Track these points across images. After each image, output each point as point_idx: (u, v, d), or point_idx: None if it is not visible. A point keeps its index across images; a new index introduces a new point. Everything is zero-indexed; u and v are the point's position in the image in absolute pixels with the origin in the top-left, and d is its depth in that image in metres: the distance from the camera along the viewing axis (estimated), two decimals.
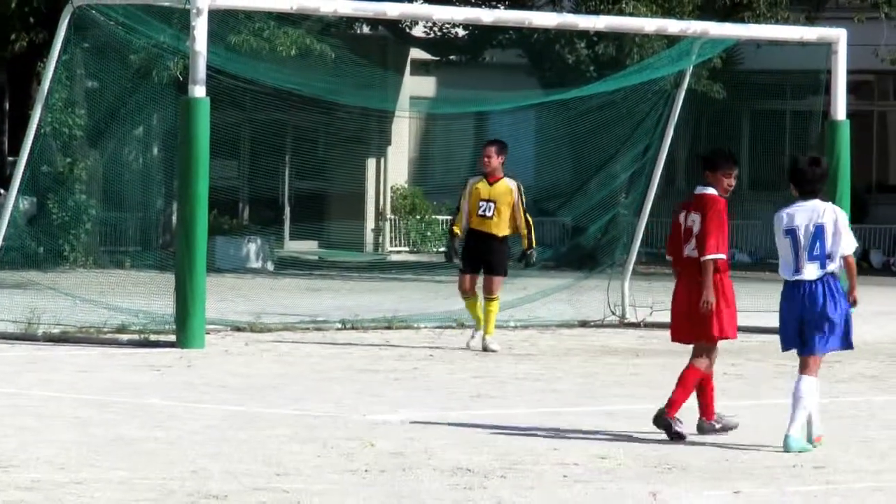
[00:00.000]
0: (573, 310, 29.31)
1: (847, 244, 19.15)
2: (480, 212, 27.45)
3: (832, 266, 19.04)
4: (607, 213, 32.94)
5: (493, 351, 27.56)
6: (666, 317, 31.39)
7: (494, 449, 18.65)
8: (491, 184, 27.54)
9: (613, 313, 32.23)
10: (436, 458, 17.89)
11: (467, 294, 27.88)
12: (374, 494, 15.65)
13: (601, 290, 32.33)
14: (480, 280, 27.77)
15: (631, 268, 33.16)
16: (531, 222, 27.79)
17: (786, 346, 20.20)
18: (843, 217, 19.29)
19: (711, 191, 19.89)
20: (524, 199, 27.88)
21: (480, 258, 27.68)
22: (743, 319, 31.45)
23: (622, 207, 33.35)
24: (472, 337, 27.93)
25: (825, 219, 19.12)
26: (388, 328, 29.95)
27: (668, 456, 18.37)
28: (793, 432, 18.65)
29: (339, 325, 29.86)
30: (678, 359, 27.63)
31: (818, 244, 19.17)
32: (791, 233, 19.58)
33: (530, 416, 22.17)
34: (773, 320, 31.24)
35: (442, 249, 49.88)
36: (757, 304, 32.43)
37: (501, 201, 27.53)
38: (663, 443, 19.57)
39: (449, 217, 36.34)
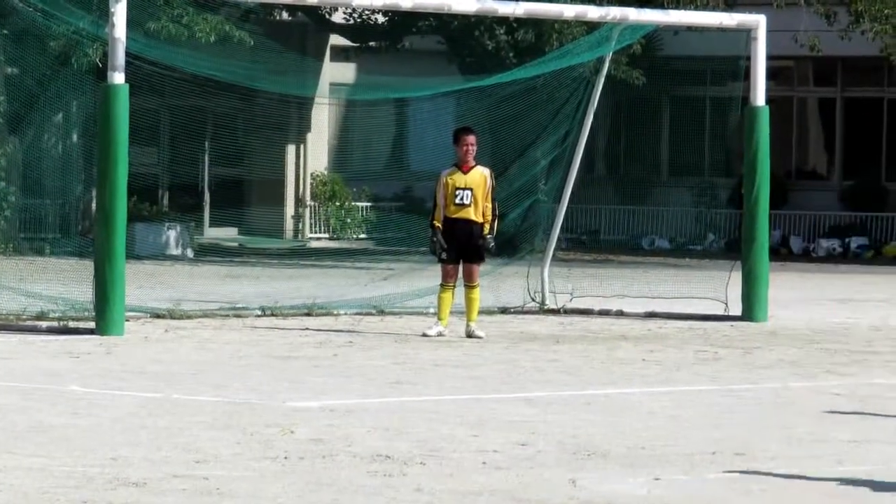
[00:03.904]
0: (493, 297, 29.36)
1: None
2: (458, 200, 27.60)
3: None
4: (527, 200, 33.02)
5: (479, 337, 27.68)
6: (586, 303, 31.75)
7: (414, 436, 18.67)
8: (465, 172, 27.73)
9: (533, 300, 32.32)
10: (355, 444, 17.82)
11: (448, 284, 28.00)
12: (293, 482, 15.66)
13: (521, 277, 32.39)
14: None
15: (551, 254, 33.24)
16: (497, 210, 27.94)
17: None
18: None
19: None
20: (494, 188, 28.10)
21: (462, 248, 27.83)
22: (664, 305, 31.80)
23: (542, 194, 33.44)
24: (431, 328, 27.89)
25: None
26: (308, 315, 30.01)
27: (588, 442, 18.42)
28: None
29: (259, 312, 29.94)
30: (598, 345, 27.89)
31: None
32: None
33: (450, 402, 21.89)
34: (693, 306, 31.52)
35: (362, 235, 50.48)
36: (679, 290, 32.55)
37: (478, 189, 27.80)
38: (583, 429, 19.70)
39: (368, 204, 36.35)
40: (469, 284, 27.99)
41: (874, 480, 15.56)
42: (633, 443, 18.37)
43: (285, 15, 41.36)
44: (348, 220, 50.15)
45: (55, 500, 14.27)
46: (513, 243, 31.13)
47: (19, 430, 18.95)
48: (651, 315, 31.43)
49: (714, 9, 39.29)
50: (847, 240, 50.60)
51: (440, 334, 27.27)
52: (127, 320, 27.23)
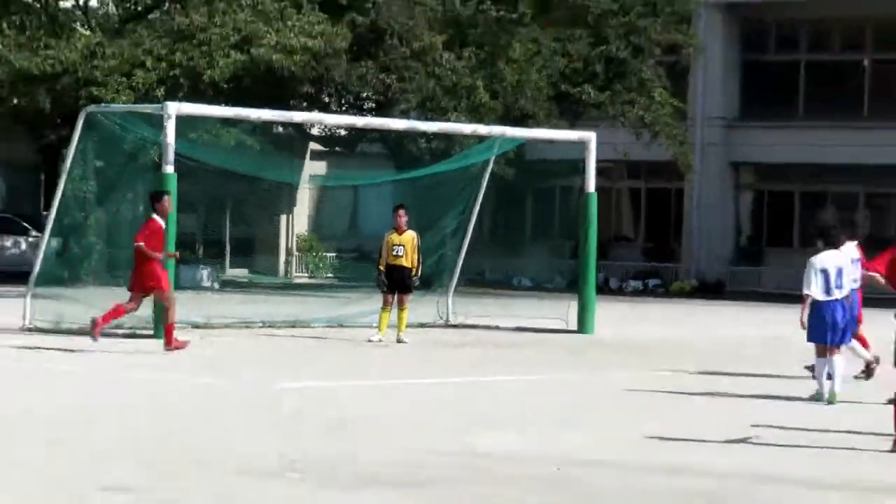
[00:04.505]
0: (414, 316, 29.32)
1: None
2: (395, 253, 27.82)
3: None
4: (438, 252, 33.15)
5: (405, 342, 27.72)
6: (474, 321, 31.90)
7: (360, 406, 19.09)
8: (399, 234, 27.95)
9: (441, 318, 32.35)
10: (326, 411, 18.22)
11: (387, 307, 28.06)
12: (284, 427, 15.91)
13: (433, 303, 32.50)
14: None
15: (453, 288, 33.44)
16: (420, 260, 28.24)
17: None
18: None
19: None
20: (420, 245, 28.42)
21: (397, 284, 27.90)
22: (526, 323, 31.83)
23: (448, 249, 33.54)
24: (374, 336, 27.80)
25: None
26: (293, 327, 29.97)
27: (476, 410, 18.79)
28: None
29: (261, 325, 29.74)
30: (482, 349, 28.04)
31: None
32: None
33: (385, 384, 21.94)
34: (545, 324, 31.45)
35: (329, 275, 50.67)
36: (536, 313, 32.61)
37: (408, 245, 27.95)
38: (474, 403, 19.70)
39: (333, 254, 36.25)
40: (400, 307, 27.99)
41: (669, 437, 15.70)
42: (511, 411, 18.72)
43: (280, 129, 41.33)
44: (320, 265, 50.34)
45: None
46: (428, 281, 31.30)
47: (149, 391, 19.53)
48: (518, 329, 31.36)
49: (562, 128, 39.48)
50: (647, 281, 50.79)
51: (380, 340, 27.27)
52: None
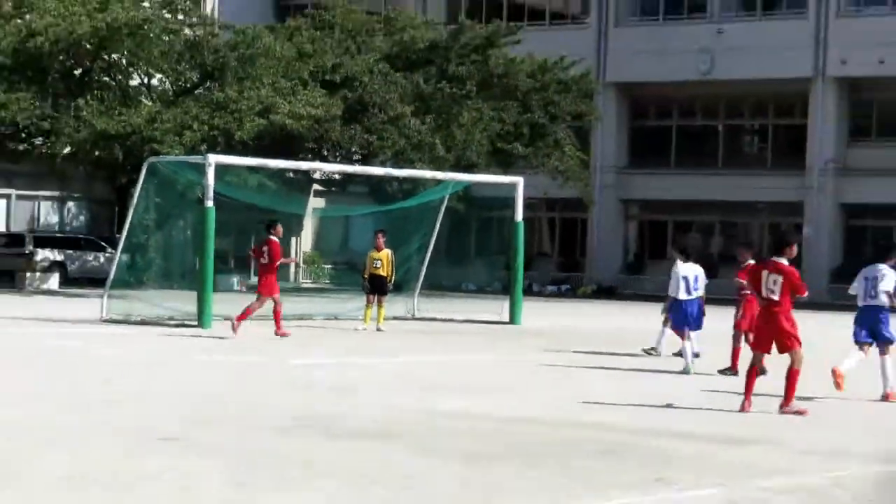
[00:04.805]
0: (389, 310, 29.18)
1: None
2: (374, 265, 27.78)
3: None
4: (407, 264, 33.04)
5: (383, 331, 27.44)
6: (434, 315, 31.79)
7: (349, 376, 18.98)
8: (378, 251, 27.91)
9: (409, 314, 32.31)
10: (327, 379, 18.28)
11: (369, 304, 27.92)
12: (302, 394, 15.92)
13: (403, 302, 32.41)
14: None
15: (418, 291, 33.31)
16: (394, 270, 28.18)
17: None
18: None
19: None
20: (393, 260, 28.33)
21: (376, 287, 27.78)
22: (473, 315, 31.77)
23: (414, 262, 33.44)
24: (359, 326, 27.80)
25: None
26: (301, 319, 29.73)
27: (434, 380, 18.56)
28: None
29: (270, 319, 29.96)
30: (439, 335, 28.00)
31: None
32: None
33: (370, 362, 21.66)
34: (486, 317, 31.20)
35: (327, 281, 50.69)
36: (479, 308, 32.64)
37: (384, 260, 27.87)
38: (434, 375, 19.65)
39: (330, 265, 36.16)
40: (379, 305, 27.89)
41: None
42: (462, 381, 18.69)
43: (291, 174, 41.24)
44: (321, 273, 50.17)
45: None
46: (400, 285, 31.18)
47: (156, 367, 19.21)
48: (466, 321, 31.20)
49: (499, 174, 39.30)
50: (560, 285, 50.54)
51: (364, 329, 27.21)
52: (213, 320, 27.09)
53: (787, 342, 15.11)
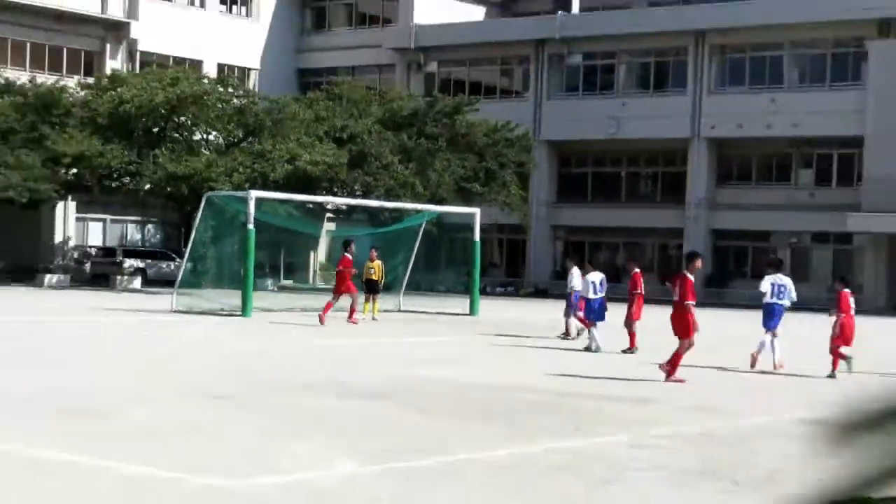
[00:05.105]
0: (381, 305, 28.82)
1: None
2: (370, 272, 27.49)
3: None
4: (395, 272, 32.88)
5: (377, 320, 26.83)
6: (415, 308, 31.67)
7: (354, 354, 18.88)
8: (372, 262, 27.68)
9: (397, 308, 31.78)
10: (336, 354, 18.11)
11: (367, 301, 27.44)
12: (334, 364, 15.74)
13: (393, 300, 32.11)
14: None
15: (403, 291, 33.06)
16: (384, 275, 28.11)
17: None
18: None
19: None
20: (383, 268, 28.19)
21: (372, 288, 27.46)
22: (441, 309, 31.70)
23: (400, 270, 33.27)
24: (363, 317, 26.89)
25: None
26: (317, 311, 29.62)
27: (413, 356, 18.30)
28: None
29: (300, 311, 29.07)
30: (417, 324, 27.71)
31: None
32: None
33: (371, 343, 21.19)
34: (450, 310, 30.96)
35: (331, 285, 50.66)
36: (446, 305, 32.56)
37: (377, 269, 27.70)
38: (414, 352, 19.42)
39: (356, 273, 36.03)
40: (374, 300, 27.61)
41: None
42: (435, 356, 18.58)
43: (310, 205, 40.95)
44: (332, 278, 50.03)
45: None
46: (389, 286, 30.96)
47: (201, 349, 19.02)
48: (438, 313, 30.79)
49: (460, 205, 38.66)
50: (507, 287, 49.85)
51: (363, 318, 26.63)
52: (253, 311, 26.93)
53: (681, 332, 15.15)
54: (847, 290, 17.22)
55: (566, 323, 23.00)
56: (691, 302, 15.11)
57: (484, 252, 40.41)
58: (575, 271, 22.61)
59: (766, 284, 17.60)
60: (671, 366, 15.13)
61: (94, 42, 49.07)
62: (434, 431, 10.24)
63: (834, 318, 16.93)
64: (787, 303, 17.50)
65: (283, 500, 7.19)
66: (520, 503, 7.31)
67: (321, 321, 24.85)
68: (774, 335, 17.31)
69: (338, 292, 26.02)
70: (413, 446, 9.29)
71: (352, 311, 25.51)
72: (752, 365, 17.20)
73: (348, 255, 26.05)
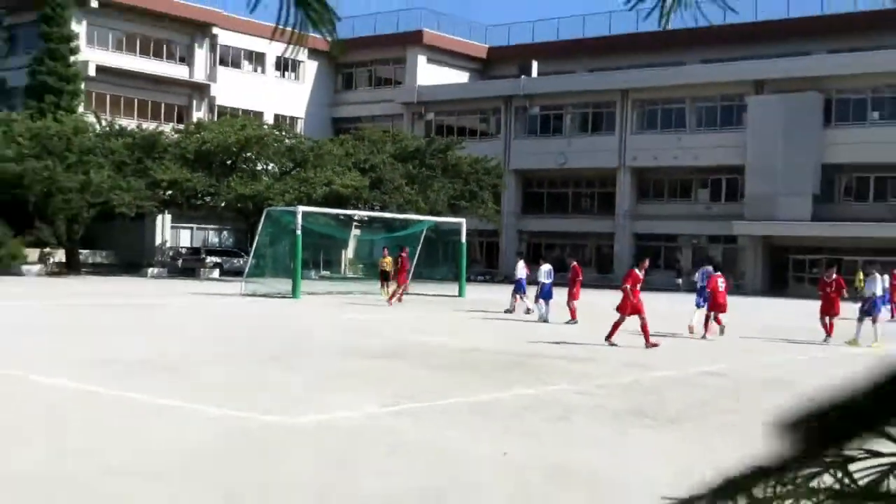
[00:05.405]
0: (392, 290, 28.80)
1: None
2: (383, 266, 27.43)
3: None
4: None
5: (390, 306, 25.25)
6: (422, 293, 31.06)
7: (370, 325, 18.39)
8: (384, 258, 27.61)
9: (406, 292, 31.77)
10: (352, 324, 17.78)
11: (381, 287, 27.13)
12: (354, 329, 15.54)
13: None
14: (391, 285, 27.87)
15: (409, 279, 32.78)
16: (395, 268, 27.12)
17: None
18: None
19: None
20: (393, 263, 27.47)
21: (384, 277, 27.24)
22: (438, 292, 31.43)
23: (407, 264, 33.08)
24: (379, 298, 26.67)
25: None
26: (347, 294, 29.38)
27: (410, 323, 18.21)
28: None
29: (335, 293, 29.03)
30: (418, 305, 26.85)
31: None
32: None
33: (382, 318, 20.51)
34: (444, 293, 30.65)
35: (360, 274, 50.13)
36: (442, 290, 31.83)
37: (388, 263, 27.43)
38: (414, 322, 18.96)
39: (362, 265, 35.49)
40: (387, 287, 27.13)
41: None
42: (434, 326, 18.27)
43: (341, 217, 40.37)
44: (358, 270, 49.29)
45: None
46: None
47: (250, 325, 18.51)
48: (434, 295, 30.11)
49: (456, 217, 38.09)
50: (485, 276, 49.26)
51: (380, 299, 26.29)
52: (302, 294, 26.70)
53: (622, 309, 15.03)
54: (717, 273, 17.20)
55: (512, 301, 23.09)
56: (628, 286, 14.94)
57: (468, 251, 40.15)
58: (520, 264, 22.72)
59: (697, 274, 17.67)
60: (610, 333, 15.07)
61: (184, 98, 49.02)
62: (434, 382, 10.19)
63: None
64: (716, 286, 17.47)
65: (323, 434, 7.14)
66: (495, 433, 7.28)
67: (389, 304, 24.75)
68: (703, 305, 17.27)
69: (401, 280, 25.81)
70: (419, 393, 9.24)
71: (394, 296, 25.31)
72: (690, 331, 17.16)
73: (405, 255, 26.26)
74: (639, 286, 15.12)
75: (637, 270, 15.28)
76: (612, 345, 14.91)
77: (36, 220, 38.49)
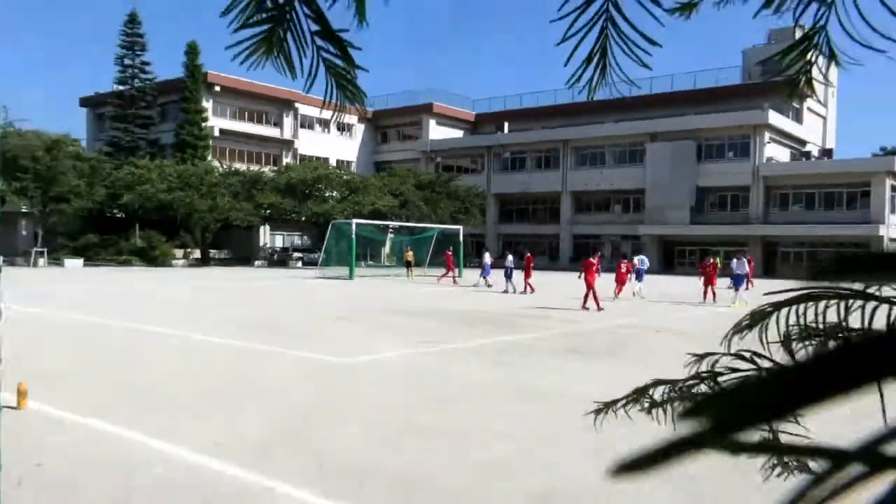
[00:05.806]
0: (416, 274, 28.01)
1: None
2: (407, 258, 26.58)
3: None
4: (419, 258, 31.60)
5: (413, 281, 24.35)
6: (432, 278, 28.58)
7: (384, 297, 18.08)
8: (407, 252, 26.81)
9: (423, 274, 30.19)
10: (373, 301, 17.37)
11: (407, 272, 26.30)
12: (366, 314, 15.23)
13: (420, 271, 30.57)
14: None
15: (425, 267, 32.04)
16: (414, 259, 26.57)
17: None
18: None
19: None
20: (414, 256, 26.87)
21: (408, 266, 26.27)
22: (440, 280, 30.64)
23: (423, 257, 32.40)
24: (406, 281, 25.25)
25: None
26: (384, 277, 28.17)
27: (427, 306, 17.62)
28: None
29: (377, 276, 28.30)
30: (432, 286, 25.64)
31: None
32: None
33: (403, 294, 19.21)
34: (447, 279, 29.65)
35: (394, 263, 48.97)
36: (448, 274, 31.71)
37: (410, 257, 26.76)
38: (428, 303, 17.91)
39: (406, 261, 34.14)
40: (411, 273, 26.35)
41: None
42: (443, 300, 17.31)
43: (381, 225, 39.13)
44: (391, 261, 47.21)
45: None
46: (419, 264, 29.79)
47: (317, 304, 17.16)
48: (444, 281, 28.16)
49: (453, 225, 37.67)
50: (471, 265, 49.27)
51: (406, 279, 25.32)
52: (356, 277, 26.05)
53: (588, 283, 14.52)
54: (624, 261, 17.09)
55: (484, 280, 22.53)
56: (585, 271, 14.41)
57: (464, 248, 39.83)
58: (486, 255, 22.38)
59: (636, 260, 17.73)
60: (586, 300, 14.60)
61: (277, 150, 48.91)
62: (444, 332, 10.09)
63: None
64: (645, 267, 17.49)
65: (370, 368, 7.09)
66: (485, 365, 7.22)
67: (439, 280, 23.88)
68: (641, 281, 17.10)
69: (448, 267, 24.70)
70: (434, 339, 9.16)
71: (443, 276, 24.29)
72: (633, 294, 16.99)
73: (450, 253, 24.79)
74: (594, 269, 14.48)
75: (591, 259, 14.76)
76: (586, 308, 14.48)
77: (180, 231, 39.14)
